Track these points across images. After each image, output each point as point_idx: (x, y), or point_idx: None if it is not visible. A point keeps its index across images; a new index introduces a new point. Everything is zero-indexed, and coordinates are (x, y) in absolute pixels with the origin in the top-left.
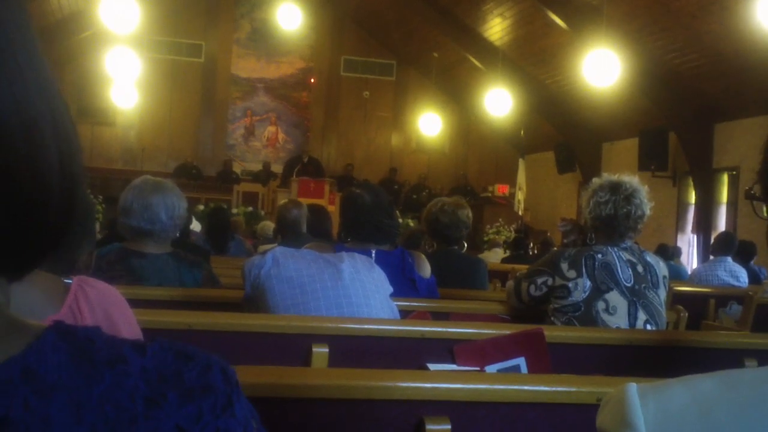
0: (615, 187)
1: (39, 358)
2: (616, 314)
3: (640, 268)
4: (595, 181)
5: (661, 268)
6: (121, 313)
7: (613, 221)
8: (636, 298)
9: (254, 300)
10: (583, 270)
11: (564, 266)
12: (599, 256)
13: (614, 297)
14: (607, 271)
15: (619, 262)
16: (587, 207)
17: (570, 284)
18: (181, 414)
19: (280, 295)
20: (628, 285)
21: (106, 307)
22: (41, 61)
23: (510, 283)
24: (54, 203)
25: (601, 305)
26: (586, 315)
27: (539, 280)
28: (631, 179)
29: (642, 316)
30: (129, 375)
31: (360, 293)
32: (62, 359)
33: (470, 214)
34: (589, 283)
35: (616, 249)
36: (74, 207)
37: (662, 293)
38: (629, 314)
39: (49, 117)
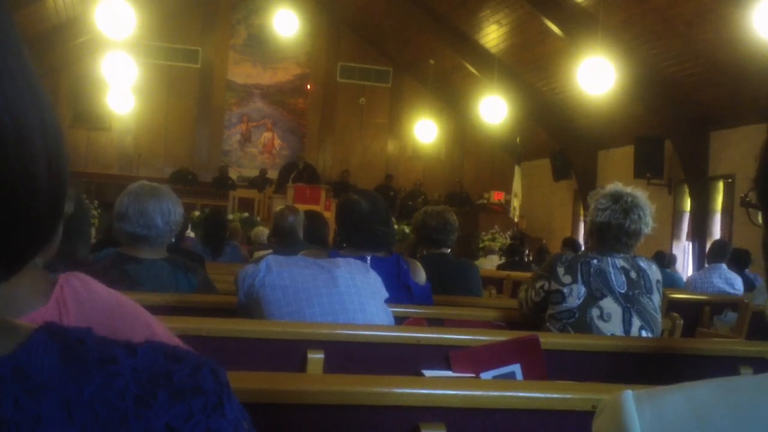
0: (617, 197)
1: (30, 357)
2: (611, 321)
3: (633, 274)
4: (607, 187)
5: (654, 272)
6: (114, 309)
7: (605, 230)
8: (630, 304)
9: (248, 308)
10: (579, 276)
11: (560, 270)
12: (594, 261)
13: (608, 304)
14: (602, 278)
15: (612, 269)
16: (589, 209)
17: (565, 289)
18: (172, 413)
19: (274, 303)
20: (622, 292)
21: (96, 302)
22: (29, 65)
23: (521, 292)
24: (42, 201)
25: (595, 312)
26: (580, 322)
27: (538, 285)
28: (640, 195)
29: (636, 323)
30: (119, 375)
31: (355, 299)
32: (53, 359)
33: (455, 219)
34: (583, 289)
35: (610, 256)
36: (61, 205)
37: (656, 298)
38: (624, 321)
39: (37, 117)
